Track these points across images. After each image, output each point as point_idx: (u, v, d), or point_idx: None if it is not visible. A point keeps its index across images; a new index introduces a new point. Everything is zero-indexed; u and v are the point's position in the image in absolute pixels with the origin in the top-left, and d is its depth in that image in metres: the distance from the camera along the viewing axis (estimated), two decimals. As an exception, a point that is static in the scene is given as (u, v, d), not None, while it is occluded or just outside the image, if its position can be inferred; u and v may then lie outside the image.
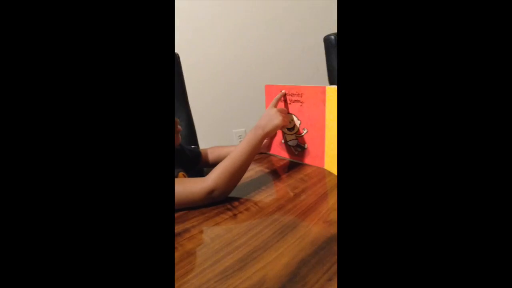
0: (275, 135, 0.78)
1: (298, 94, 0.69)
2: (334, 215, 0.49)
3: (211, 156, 0.83)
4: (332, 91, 0.61)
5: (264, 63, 1.81)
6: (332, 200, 0.54)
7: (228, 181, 0.55)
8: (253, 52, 1.78)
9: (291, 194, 0.59)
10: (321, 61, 1.34)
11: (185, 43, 1.58)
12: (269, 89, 0.76)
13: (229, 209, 0.54)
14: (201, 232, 0.48)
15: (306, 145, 0.71)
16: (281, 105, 0.73)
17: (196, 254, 0.43)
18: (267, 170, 0.72)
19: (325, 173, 0.66)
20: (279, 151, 0.79)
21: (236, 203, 0.56)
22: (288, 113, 0.72)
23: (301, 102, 0.69)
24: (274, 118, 0.63)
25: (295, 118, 0.72)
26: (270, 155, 0.82)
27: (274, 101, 0.69)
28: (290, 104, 0.72)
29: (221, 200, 0.56)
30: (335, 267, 0.37)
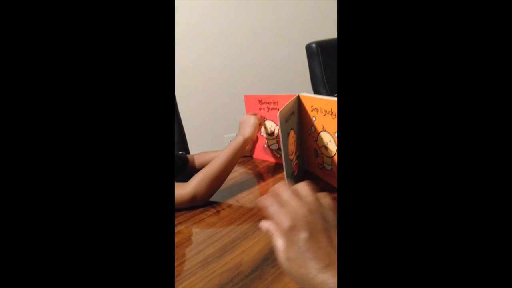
0: (257, 140, 0.84)
1: (275, 102, 0.75)
2: (306, 208, 0.55)
3: (197, 161, 0.88)
4: (303, 98, 0.66)
5: (255, 70, 1.88)
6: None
7: (208, 188, 0.59)
8: (244, 59, 1.85)
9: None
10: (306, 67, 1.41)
11: (176, 49, 1.64)
12: (248, 99, 0.82)
13: (213, 207, 0.59)
14: (187, 227, 0.54)
15: None
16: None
17: (181, 246, 0.48)
18: (250, 172, 0.77)
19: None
20: (262, 155, 0.85)
21: (219, 201, 0.61)
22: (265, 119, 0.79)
23: (278, 110, 0.75)
24: (250, 120, 0.71)
25: (274, 124, 0.78)
26: (253, 158, 0.87)
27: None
28: (268, 111, 0.78)
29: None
30: (302, 251, 0.43)
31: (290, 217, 0.30)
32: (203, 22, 1.73)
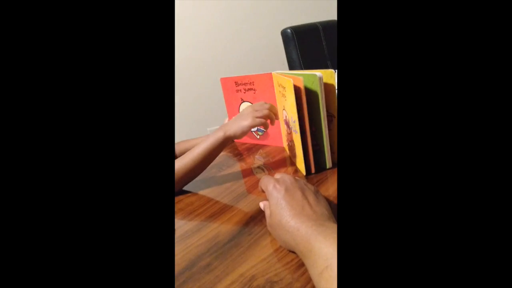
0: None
1: (250, 82, 0.75)
2: (283, 181, 0.56)
3: (177, 149, 0.88)
4: (275, 76, 0.67)
5: (237, 61, 1.87)
6: (288, 169, 0.61)
7: (178, 182, 0.56)
8: (225, 51, 1.84)
9: (251, 168, 0.65)
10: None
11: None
12: (224, 81, 0.82)
13: (191, 188, 0.59)
14: (166, 208, 0.53)
15: (263, 128, 0.77)
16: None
17: (160, 226, 0.48)
18: (230, 154, 0.77)
19: (283, 149, 0.72)
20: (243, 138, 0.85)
21: (198, 183, 0.61)
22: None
23: (254, 90, 0.75)
24: (243, 119, 0.57)
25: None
26: (233, 141, 0.87)
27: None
28: (245, 93, 0.78)
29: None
30: (277, 218, 0.44)
31: (275, 184, 0.37)
32: (188, 14, 1.70)
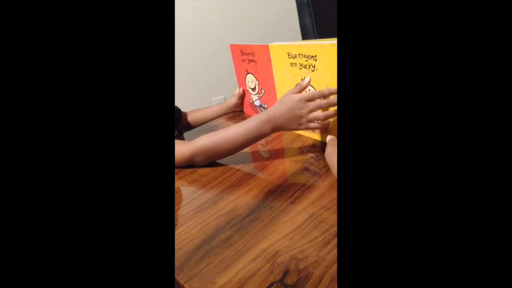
0: (244, 94, 0.79)
1: (252, 53, 0.68)
2: (300, 156, 0.54)
3: (190, 118, 0.86)
4: (275, 48, 0.60)
5: (245, 29, 1.77)
6: (297, 145, 0.59)
7: (207, 158, 0.53)
8: (234, 19, 1.74)
9: (262, 142, 0.63)
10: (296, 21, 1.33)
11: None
12: (233, 48, 0.76)
13: (205, 159, 0.57)
14: (179, 178, 0.52)
15: (266, 105, 0.73)
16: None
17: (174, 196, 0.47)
18: (241, 125, 0.75)
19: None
20: (250, 110, 0.81)
21: (211, 154, 0.59)
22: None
23: (255, 62, 0.69)
24: (295, 120, 0.49)
25: (254, 79, 0.73)
26: (244, 113, 0.85)
27: (298, 88, 0.52)
28: (248, 63, 0.72)
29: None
30: (297, 194, 0.42)
31: None
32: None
